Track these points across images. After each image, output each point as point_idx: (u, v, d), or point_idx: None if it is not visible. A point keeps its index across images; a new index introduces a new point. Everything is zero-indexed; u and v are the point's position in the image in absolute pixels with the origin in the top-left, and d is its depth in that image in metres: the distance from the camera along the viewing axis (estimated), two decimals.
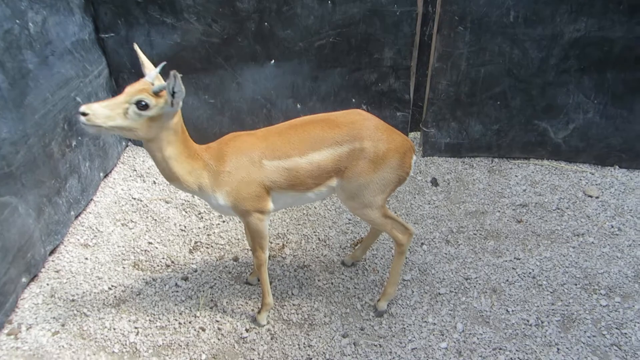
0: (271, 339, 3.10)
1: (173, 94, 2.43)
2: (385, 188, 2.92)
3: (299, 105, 4.59)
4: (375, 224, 3.05)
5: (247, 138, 2.87)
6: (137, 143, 4.85)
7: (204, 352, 3.01)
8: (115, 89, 4.53)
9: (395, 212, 4.10)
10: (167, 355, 2.99)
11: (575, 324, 3.15)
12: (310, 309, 3.28)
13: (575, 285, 3.42)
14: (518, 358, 2.96)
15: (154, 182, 4.38)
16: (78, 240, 3.76)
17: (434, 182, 4.45)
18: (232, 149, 2.82)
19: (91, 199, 4.13)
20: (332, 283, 3.47)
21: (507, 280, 3.47)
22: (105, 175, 4.39)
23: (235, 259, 3.67)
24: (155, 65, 2.65)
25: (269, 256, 3.67)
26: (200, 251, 3.74)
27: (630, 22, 4.03)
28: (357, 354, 3.00)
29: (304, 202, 3.08)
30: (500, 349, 3.01)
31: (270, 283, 3.45)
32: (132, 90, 2.45)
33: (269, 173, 2.82)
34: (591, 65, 4.25)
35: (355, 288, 3.44)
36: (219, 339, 3.10)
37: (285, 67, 4.43)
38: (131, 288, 3.41)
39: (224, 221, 4.01)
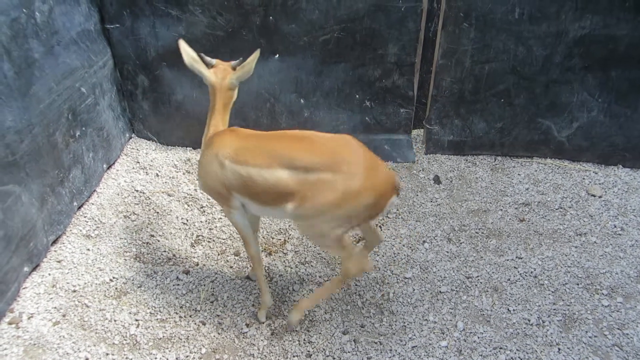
0: (271, 334, 3.10)
1: None
2: (347, 223, 2.70)
3: (302, 101, 4.58)
4: (327, 251, 2.95)
5: (230, 135, 2.92)
6: (141, 135, 4.85)
7: (204, 346, 3.01)
8: (120, 80, 4.53)
9: (398, 210, 4.09)
10: (167, 348, 2.99)
11: (577, 324, 3.15)
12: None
13: (577, 285, 3.42)
14: (519, 357, 2.96)
15: (157, 175, 4.38)
16: (80, 231, 3.76)
17: (437, 179, 4.45)
18: (214, 141, 2.92)
19: (94, 190, 4.13)
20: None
21: (509, 280, 3.46)
22: (109, 167, 4.39)
23: (237, 254, 3.67)
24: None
25: (270, 252, 3.67)
26: (202, 245, 3.74)
27: (635, 20, 4.01)
28: (357, 351, 3.00)
29: (268, 215, 3.01)
30: (500, 348, 3.01)
31: (271, 279, 3.45)
32: None
33: (227, 174, 2.81)
34: (596, 63, 4.24)
35: (356, 285, 3.44)
36: (219, 333, 3.10)
37: (289, 62, 4.41)
38: (132, 280, 3.41)
39: (225, 215, 4.00)
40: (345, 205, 2.62)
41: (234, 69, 2.98)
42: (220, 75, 2.98)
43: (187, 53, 2.96)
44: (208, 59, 3.00)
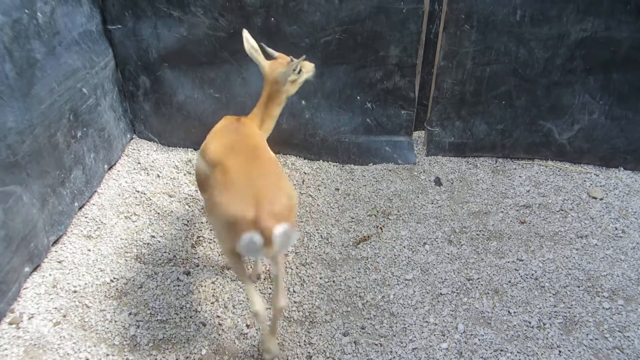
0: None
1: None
2: (220, 237, 2.62)
3: (303, 102, 4.58)
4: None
5: (225, 120, 3.21)
6: (143, 136, 4.86)
7: (204, 347, 3.01)
8: (122, 80, 4.53)
9: (398, 211, 4.09)
10: (167, 349, 2.99)
11: (578, 327, 3.14)
12: (311, 307, 3.28)
13: (578, 287, 3.41)
14: None
15: (158, 176, 4.38)
16: (81, 231, 3.76)
17: (438, 181, 4.45)
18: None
19: (95, 191, 4.13)
20: (333, 281, 3.47)
21: (510, 282, 3.46)
22: (110, 168, 4.40)
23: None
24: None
25: None
26: (203, 246, 3.74)
27: (637, 23, 4.00)
28: (357, 352, 3.00)
29: None
30: (501, 350, 3.00)
31: (272, 280, 3.45)
32: None
33: None
34: (597, 65, 4.23)
35: (357, 287, 3.44)
36: (219, 334, 3.10)
37: None
38: (133, 281, 3.41)
39: None
40: (211, 214, 2.58)
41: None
42: (273, 67, 3.16)
43: (248, 42, 3.20)
44: (271, 50, 3.26)
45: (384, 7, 4.14)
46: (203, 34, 4.28)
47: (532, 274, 3.51)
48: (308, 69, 3.29)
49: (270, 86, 3.19)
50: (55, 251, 3.56)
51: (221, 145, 2.84)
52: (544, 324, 3.16)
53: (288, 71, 3.10)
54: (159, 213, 4.00)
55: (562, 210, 4.10)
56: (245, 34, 3.21)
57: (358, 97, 4.56)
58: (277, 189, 2.53)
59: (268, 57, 3.28)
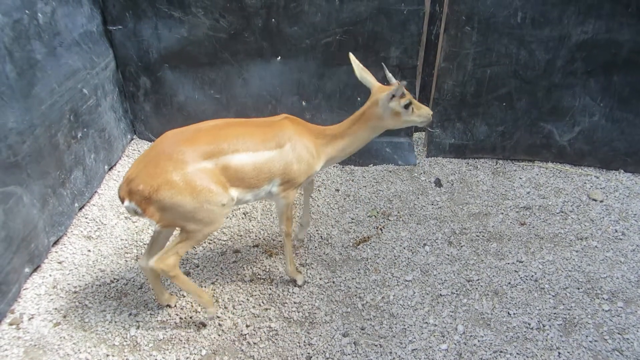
0: (272, 336, 3.10)
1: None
2: None
3: (304, 103, 4.58)
4: None
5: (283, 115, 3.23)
6: (143, 137, 4.86)
7: (204, 348, 3.01)
8: (122, 81, 4.54)
9: (398, 212, 4.09)
10: (167, 350, 2.99)
11: (577, 328, 3.14)
12: (311, 307, 3.28)
13: (578, 289, 3.41)
14: None
15: None
16: (81, 232, 3.77)
17: (438, 182, 4.45)
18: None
19: (95, 192, 4.13)
20: (333, 282, 3.47)
21: (509, 283, 3.46)
22: (110, 168, 4.40)
23: (237, 251, 3.66)
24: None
25: (271, 254, 3.67)
26: (203, 247, 3.74)
27: (638, 25, 4.01)
28: (357, 353, 3.00)
29: None
30: (501, 351, 3.00)
31: (272, 281, 3.46)
32: None
33: None
34: (598, 67, 4.24)
35: (356, 287, 3.44)
36: (219, 335, 3.10)
37: (291, 64, 4.42)
38: (133, 281, 3.41)
39: (226, 217, 4.00)
40: None
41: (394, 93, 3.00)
42: (381, 89, 3.09)
43: (357, 65, 3.19)
44: (389, 75, 3.21)
45: (385, 8, 4.14)
46: (204, 34, 4.29)
47: (532, 276, 3.51)
48: (422, 113, 3.13)
49: (369, 106, 3.09)
50: (56, 252, 3.57)
51: (206, 123, 2.97)
52: (544, 326, 3.16)
53: (387, 96, 3.01)
54: None
55: (562, 212, 4.10)
56: (352, 57, 3.18)
57: (359, 98, 4.56)
58: (163, 170, 2.68)
59: (385, 81, 3.21)
